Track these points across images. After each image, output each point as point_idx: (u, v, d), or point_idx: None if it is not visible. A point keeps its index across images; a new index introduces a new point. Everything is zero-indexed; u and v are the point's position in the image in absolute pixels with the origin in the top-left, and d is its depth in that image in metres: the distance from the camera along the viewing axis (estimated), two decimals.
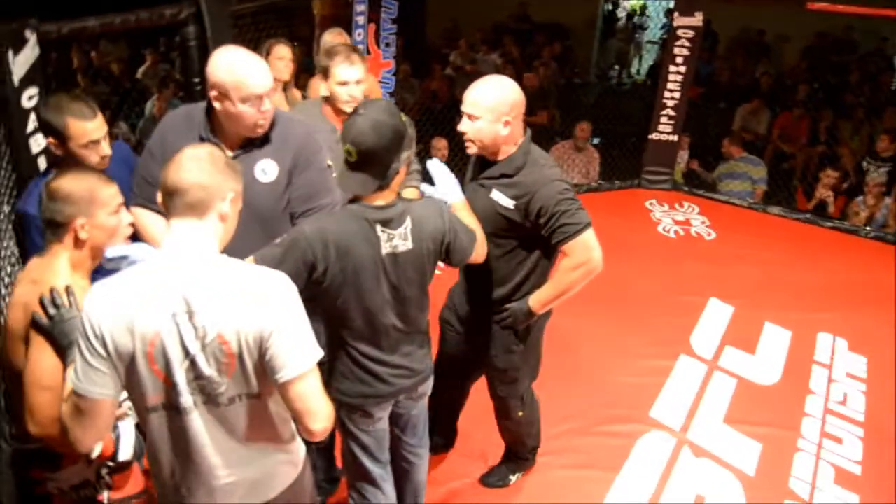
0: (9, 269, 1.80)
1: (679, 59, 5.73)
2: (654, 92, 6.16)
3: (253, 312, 1.39)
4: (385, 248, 1.84)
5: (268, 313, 1.40)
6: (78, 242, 1.65)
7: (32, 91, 2.15)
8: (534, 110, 6.77)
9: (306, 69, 5.37)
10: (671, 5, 6.33)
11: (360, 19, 5.09)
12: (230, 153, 1.99)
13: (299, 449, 1.67)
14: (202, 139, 2.03)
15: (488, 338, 2.39)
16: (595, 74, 10.29)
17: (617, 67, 10.87)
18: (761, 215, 5.76)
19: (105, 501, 1.81)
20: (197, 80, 3.06)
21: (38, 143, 2.16)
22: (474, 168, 2.30)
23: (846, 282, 4.59)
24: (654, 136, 6.01)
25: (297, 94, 3.88)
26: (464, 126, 2.15)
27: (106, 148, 2.11)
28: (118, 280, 1.40)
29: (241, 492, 1.56)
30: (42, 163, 2.16)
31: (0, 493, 1.70)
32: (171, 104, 6.12)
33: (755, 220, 5.65)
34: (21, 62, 2.11)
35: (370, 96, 2.66)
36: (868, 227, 5.41)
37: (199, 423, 1.46)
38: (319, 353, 1.46)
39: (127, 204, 1.74)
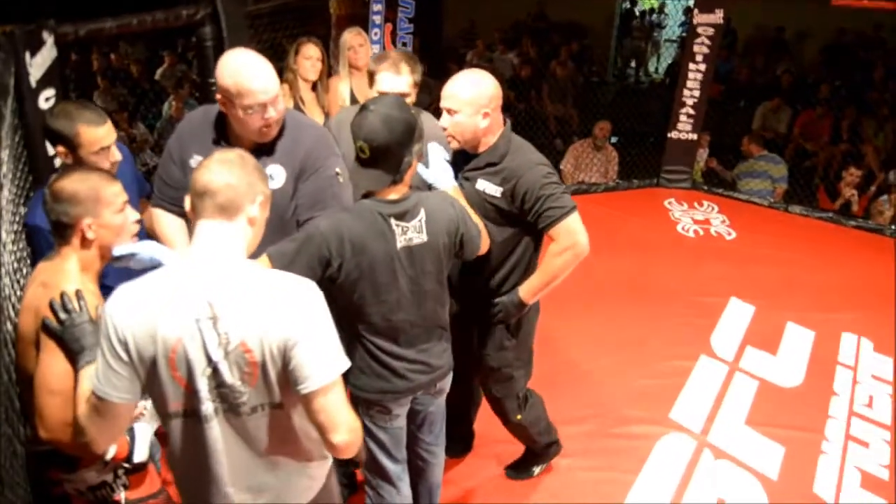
0: (24, 271, 1.81)
1: (699, 57, 5.67)
2: (672, 90, 6.09)
3: (278, 321, 1.36)
4: (400, 242, 1.83)
5: (293, 322, 1.36)
6: (85, 242, 1.65)
7: (49, 93, 2.16)
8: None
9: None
10: (690, 3, 6.25)
11: (377, 18, 5.09)
12: None
13: (322, 464, 1.62)
14: (215, 142, 2.03)
15: (480, 336, 2.38)
16: (613, 73, 10.22)
17: (634, 66, 10.80)
18: (782, 214, 5.68)
19: (122, 502, 1.81)
20: (212, 80, 3.06)
21: None
22: (457, 164, 2.27)
23: (871, 281, 4.50)
24: (672, 134, 5.95)
25: (326, 95, 3.88)
26: (444, 121, 2.16)
27: (116, 154, 2.10)
28: (142, 283, 1.38)
29: None
30: (58, 164, 2.17)
31: (17, 494, 1.70)
32: (188, 104, 6.16)
33: (776, 220, 5.58)
34: (38, 63, 2.12)
35: None
36: (893, 227, 5.31)
37: (217, 431, 1.44)
38: (346, 364, 1.43)
39: (131, 202, 1.74)
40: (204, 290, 1.35)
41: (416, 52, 5.32)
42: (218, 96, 1.94)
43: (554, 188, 2.12)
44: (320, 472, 1.62)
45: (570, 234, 2.13)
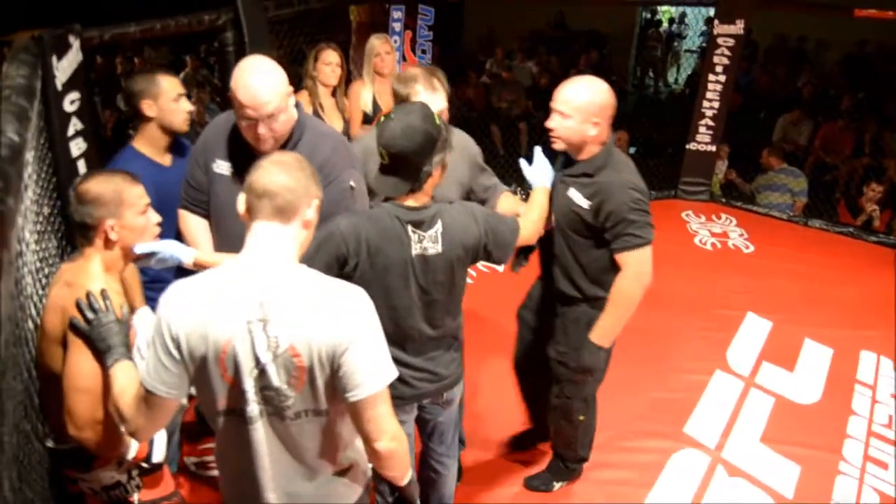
0: (46, 270, 1.83)
1: (718, 68, 5.63)
2: (692, 101, 6.05)
3: (328, 326, 1.36)
4: (415, 249, 1.84)
5: (343, 328, 1.37)
6: (108, 243, 1.68)
7: (74, 95, 2.19)
8: None
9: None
10: (711, 13, 6.22)
11: (397, 26, 5.11)
12: None
13: (360, 476, 1.62)
14: (237, 147, 2.05)
15: (559, 336, 2.43)
16: (632, 83, 10.19)
17: (654, 76, 10.76)
18: (801, 228, 5.62)
19: (136, 503, 1.83)
20: None
21: (78, 146, 2.20)
22: (560, 163, 2.34)
23: (892, 299, 4.43)
24: (691, 146, 5.91)
25: (346, 101, 3.90)
26: (553, 123, 2.21)
27: (188, 104, 2.42)
28: (196, 282, 1.40)
29: None
30: (81, 166, 2.20)
31: (34, 490, 1.72)
32: (208, 109, 6.21)
33: (795, 234, 5.51)
34: (64, 67, 2.15)
35: None
36: None
37: (261, 434, 1.45)
38: (395, 373, 1.44)
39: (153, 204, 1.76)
40: (256, 291, 1.37)
41: (435, 60, 5.36)
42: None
43: (639, 216, 2.15)
44: (358, 484, 1.62)
45: (641, 264, 2.18)
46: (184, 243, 1.99)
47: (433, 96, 2.23)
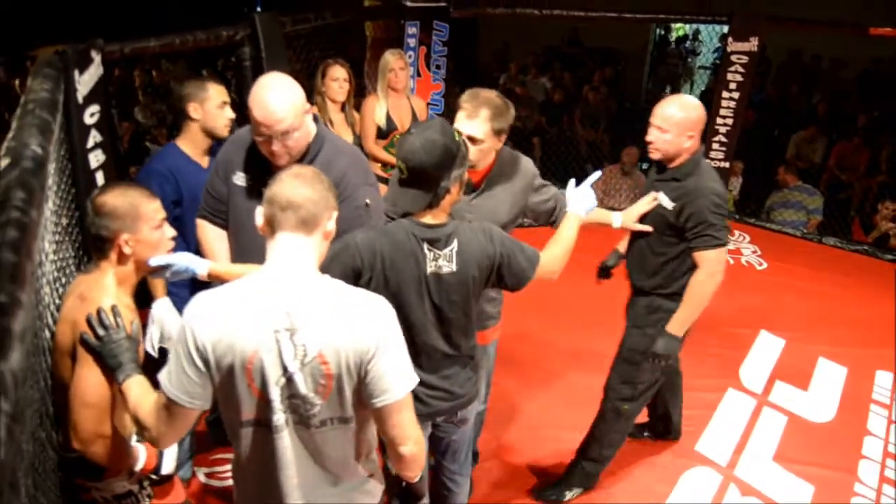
0: (63, 280, 1.85)
1: (732, 85, 5.62)
2: (706, 118, 6.04)
3: (355, 333, 1.39)
4: (430, 267, 1.85)
5: (370, 335, 1.40)
6: (122, 257, 1.68)
7: (94, 108, 2.22)
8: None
9: (358, 91, 5.46)
10: (725, 30, 6.22)
11: (412, 41, 5.16)
12: None
13: (378, 484, 1.65)
14: (256, 161, 2.07)
15: (630, 322, 2.66)
16: (646, 99, 10.19)
17: (668, 92, 10.73)
18: (816, 246, 5.58)
19: None
20: None
21: (96, 158, 2.23)
22: (654, 169, 2.62)
23: None
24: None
25: (356, 115, 3.93)
26: (652, 136, 2.46)
27: (231, 112, 2.54)
28: (221, 292, 1.41)
29: None
30: (99, 178, 2.23)
31: (48, 497, 1.73)
32: None
33: (809, 251, 5.48)
34: (86, 81, 2.19)
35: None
36: None
37: (286, 443, 1.46)
38: (416, 379, 1.48)
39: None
40: (282, 301, 1.39)
41: (449, 75, 5.39)
42: None
43: (718, 219, 2.38)
44: (377, 490, 1.64)
45: (717, 262, 2.41)
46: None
47: (467, 122, 2.20)
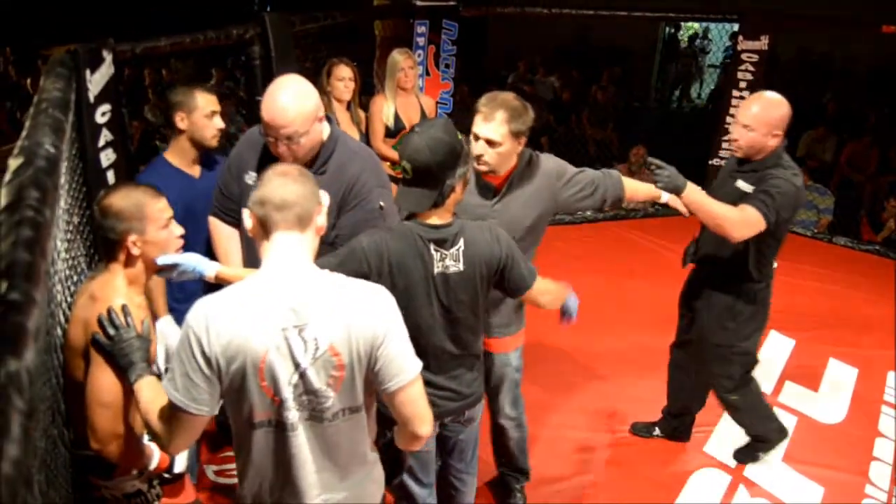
0: (75, 278, 1.86)
1: (742, 84, 5.61)
2: (714, 117, 6.02)
3: (364, 322, 1.42)
4: (437, 268, 1.85)
5: (378, 322, 1.44)
6: (130, 258, 1.68)
7: (106, 108, 2.24)
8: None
9: (367, 90, 5.47)
10: (735, 28, 6.20)
11: (421, 41, 5.16)
12: None
13: (380, 471, 1.67)
14: (269, 160, 2.08)
15: (707, 316, 2.72)
16: (655, 98, 10.17)
17: (677, 92, 10.71)
18: (826, 245, 5.55)
19: None
20: (259, 98, 3.15)
21: (107, 157, 2.24)
22: (732, 163, 2.68)
23: None
24: (714, 161, 5.88)
25: (361, 114, 3.93)
26: (738, 134, 2.52)
27: (220, 122, 2.47)
28: (223, 297, 1.40)
29: None
30: (110, 177, 2.25)
31: (59, 494, 1.74)
32: (233, 119, 6.30)
33: (819, 251, 5.45)
34: (97, 80, 2.20)
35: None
36: None
37: (301, 439, 1.47)
38: (420, 361, 1.52)
39: (176, 217, 1.79)
40: (286, 299, 1.40)
41: (458, 74, 5.39)
42: None
43: (781, 199, 2.40)
44: (382, 478, 1.67)
45: (754, 221, 2.39)
46: (213, 252, 2.02)
47: (482, 125, 2.19)
